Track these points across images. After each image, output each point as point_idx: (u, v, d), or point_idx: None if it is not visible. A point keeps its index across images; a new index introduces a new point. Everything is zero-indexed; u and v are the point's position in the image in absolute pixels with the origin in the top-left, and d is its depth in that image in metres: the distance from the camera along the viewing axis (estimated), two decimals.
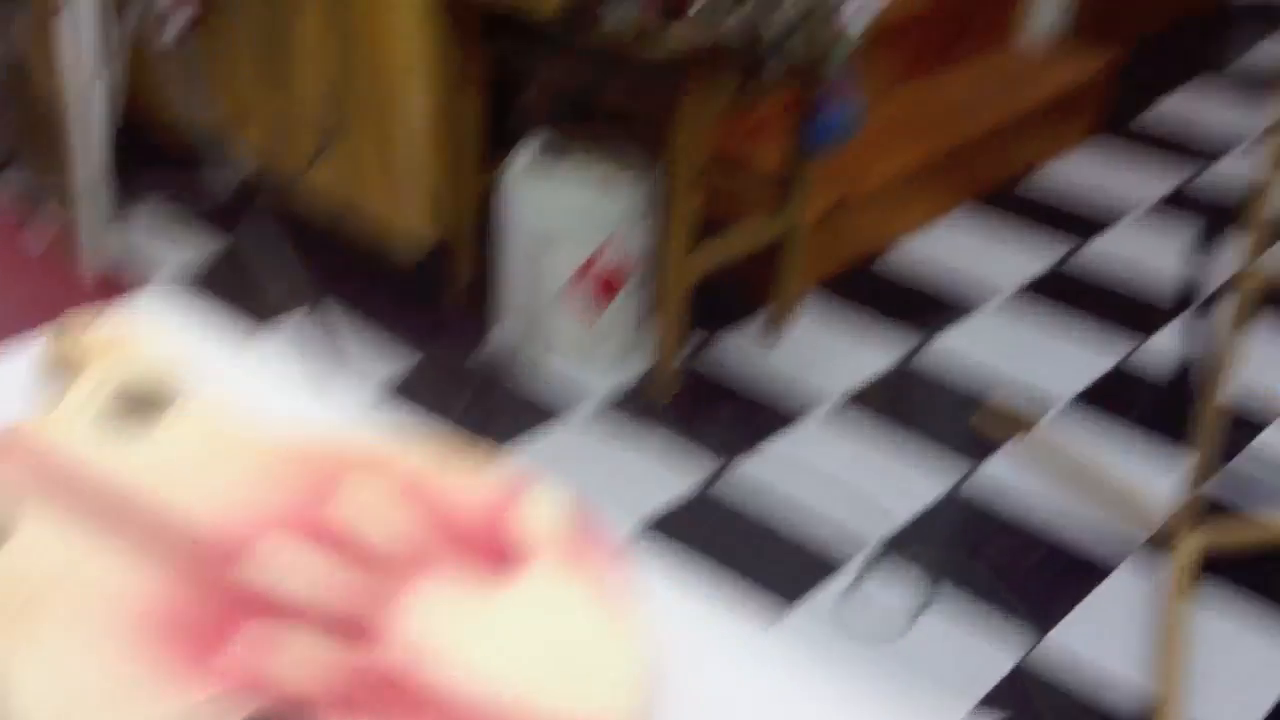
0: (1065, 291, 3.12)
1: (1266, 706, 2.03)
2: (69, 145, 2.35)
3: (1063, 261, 3.23)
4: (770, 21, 1.06)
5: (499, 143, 2.88)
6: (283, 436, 0.76)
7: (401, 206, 2.98)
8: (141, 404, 0.77)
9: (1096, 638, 2.13)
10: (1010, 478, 2.49)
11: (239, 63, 3.11)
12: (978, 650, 2.08)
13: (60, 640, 0.61)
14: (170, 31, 2.84)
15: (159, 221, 3.06)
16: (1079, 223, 3.40)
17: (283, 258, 2.52)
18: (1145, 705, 2.01)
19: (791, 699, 0.68)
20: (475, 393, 2.64)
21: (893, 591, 2.20)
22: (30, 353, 0.86)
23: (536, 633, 0.66)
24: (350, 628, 0.64)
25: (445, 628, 0.65)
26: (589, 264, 2.66)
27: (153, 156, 3.20)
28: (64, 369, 0.80)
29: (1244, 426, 2.65)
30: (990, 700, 1.97)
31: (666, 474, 2.46)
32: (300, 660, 0.62)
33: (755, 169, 2.96)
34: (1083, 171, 3.64)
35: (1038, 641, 2.11)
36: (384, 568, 0.68)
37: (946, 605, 2.18)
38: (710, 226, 2.68)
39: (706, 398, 2.70)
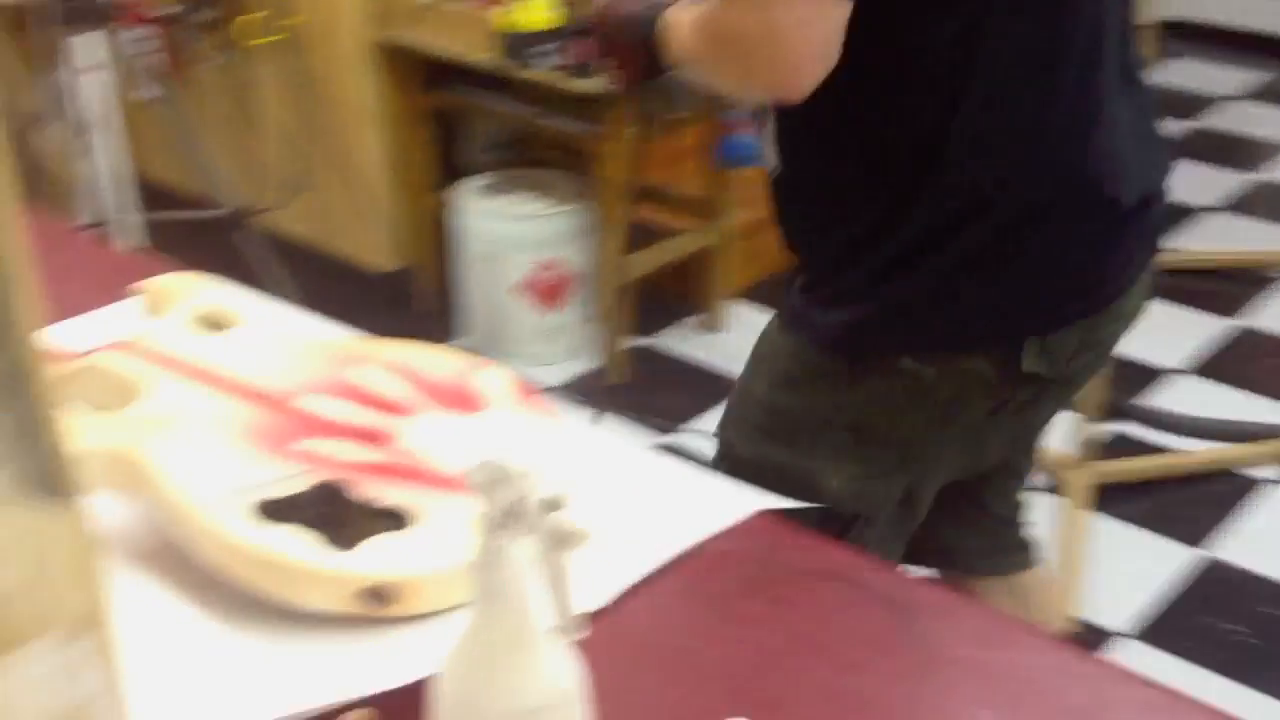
0: None
1: (1144, 604, 2.40)
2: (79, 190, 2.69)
3: None
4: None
5: (449, 173, 3.25)
6: (309, 337, 1.12)
7: (366, 235, 3.33)
8: (211, 321, 1.12)
9: None
10: None
11: (209, 115, 3.47)
12: None
13: (189, 441, 0.96)
14: (149, 86, 3.20)
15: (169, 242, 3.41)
16: None
17: (270, 271, 2.86)
18: None
19: (654, 477, 1.04)
20: None
21: None
22: (129, 303, 1.21)
23: (496, 439, 1.01)
24: (370, 436, 0.99)
25: (432, 438, 1.00)
26: (535, 276, 3.02)
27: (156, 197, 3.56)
28: (155, 305, 1.15)
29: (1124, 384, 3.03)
30: None
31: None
32: (341, 453, 0.97)
33: (679, 190, 3.34)
34: None
35: None
36: (386, 407, 1.03)
37: None
38: (648, 239, 3.07)
39: (647, 385, 3.06)
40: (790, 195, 1.37)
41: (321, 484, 0.94)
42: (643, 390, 3.05)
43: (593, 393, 3.02)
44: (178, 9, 3.28)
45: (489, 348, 3.13)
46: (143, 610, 0.91)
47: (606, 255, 2.96)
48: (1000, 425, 1.39)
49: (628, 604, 0.91)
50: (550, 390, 3.03)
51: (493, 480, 0.66)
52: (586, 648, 0.78)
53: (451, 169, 3.30)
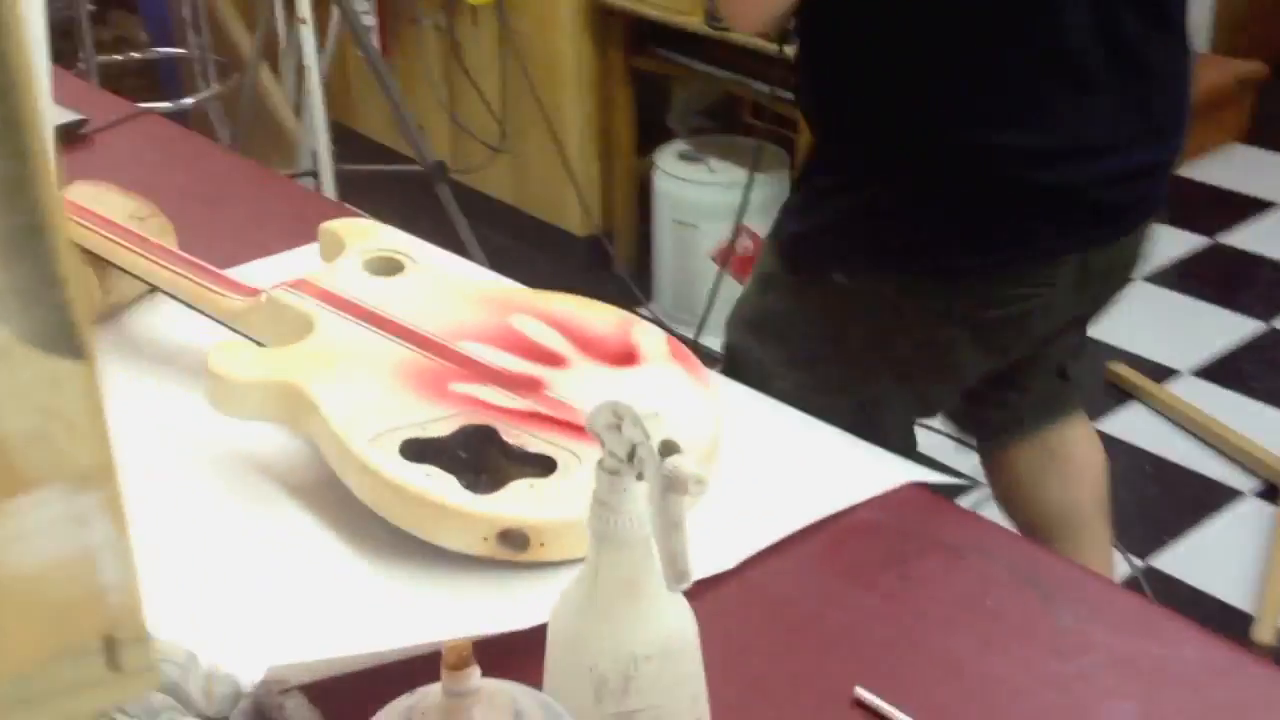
0: (1192, 277, 3.34)
1: None
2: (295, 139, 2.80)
3: (1196, 251, 3.44)
4: None
5: (651, 137, 3.27)
6: (475, 284, 1.14)
7: (566, 198, 3.38)
8: (382, 265, 1.15)
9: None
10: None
11: (422, 73, 3.55)
12: None
13: (351, 378, 0.99)
14: (367, 44, 3.30)
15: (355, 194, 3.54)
16: (1208, 220, 3.56)
17: (466, 227, 2.93)
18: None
19: (805, 443, 1.03)
20: None
21: None
22: (313, 247, 1.25)
23: (647, 395, 1.02)
24: (524, 384, 1.01)
25: (584, 390, 1.01)
26: (730, 244, 3.02)
27: (347, 148, 3.68)
28: (333, 248, 1.19)
29: None
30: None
31: None
32: (494, 398, 0.99)
33: None
34: (1215, 175, 3.78)
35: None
36: (542, 356, 1.05)
37: None
38: None
39: None
40: (801, 87, 1.50)
41: (471, 427, 0.96)
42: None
43: None
44: None
45: (679, 314, 3.14)
46: (292, 537, 0.95)
47: None
48: (961, 345, 1.44)
49: (760, 565, 0.90)
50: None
51: (611, 423, 0.66)
52: (713, 606, 0.78)
53: (653, 133, 3.31)
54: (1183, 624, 0.86)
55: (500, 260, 3.38)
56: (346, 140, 3.81)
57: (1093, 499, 1.73)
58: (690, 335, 3.09)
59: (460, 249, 2.96)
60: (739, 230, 3.02)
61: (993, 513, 1.76)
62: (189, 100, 3.63)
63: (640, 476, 0.66)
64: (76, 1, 3.30)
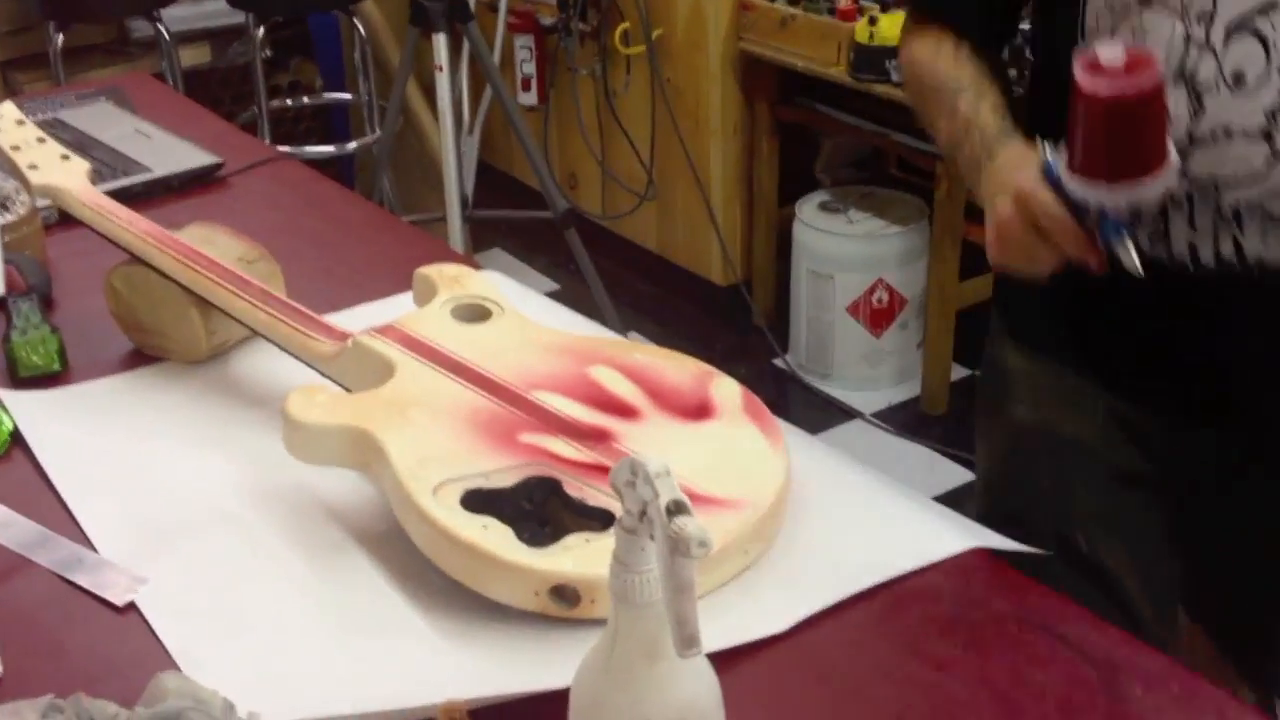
0: None
1: None
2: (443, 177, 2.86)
3: None
4: None
5: (793, 187, 3.26)
6: (558, 333, 1.15)
7: (709, 246, 3.38)
8: (469, 311, 1.17)
9: None
10: None
11: (575, 124, 3.60)
12: None
13: (422, 426, 1.00)
14: (524, 97, 3.37)
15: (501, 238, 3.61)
16: None
17: (595, 273, 2.96)
18: None
19: (875, 503, 1.01)
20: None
21: None
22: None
23: (716, 450, 1.01)
24: (595, 435, 1.01)
25: (654, 443, 1.01)
26: (866, 296, 2.99)
27: (502, 193, 3.76)
28: (426, 291, 1.21)
29: None
30: None
31: (931, 474, 2.76)
32: (561, 450, 0.99)
33: None
34: None
35: None
36: (616, 408, 1.05)
37: None
38: (985, 266, 2.97)
39: (968, 419, 2.97)
40: None
41: (535, 479, 0.97)
42: (961, 423, 2.95)
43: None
44: (558, 18, 3.43)
45: (814, 366, 3.11)
46: (350, 580, 0.96)
47: (939, 281, 2.89)
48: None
49: (814, 630, 0.88)
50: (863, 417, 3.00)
51: (629, 479, 0.66)
52: (759, 670, 0.77)
53: (795, 184, 3.30)
54: (1247, 708, 0.82)
55: (641, 308, 3.43)
56: (503, 185, 3.89)
57: None
58: (823, 388, 3.07)
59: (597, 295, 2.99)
60: (876, 283, 2.98)
61: None
62: (351, 145, 3.73)
63: (653, 536, 0.65)
64: (253, 48, 3.43)
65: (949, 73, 1.17)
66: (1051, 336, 1.23)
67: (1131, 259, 0.95)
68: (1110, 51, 0.91)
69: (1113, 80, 0.91)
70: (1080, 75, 0.92)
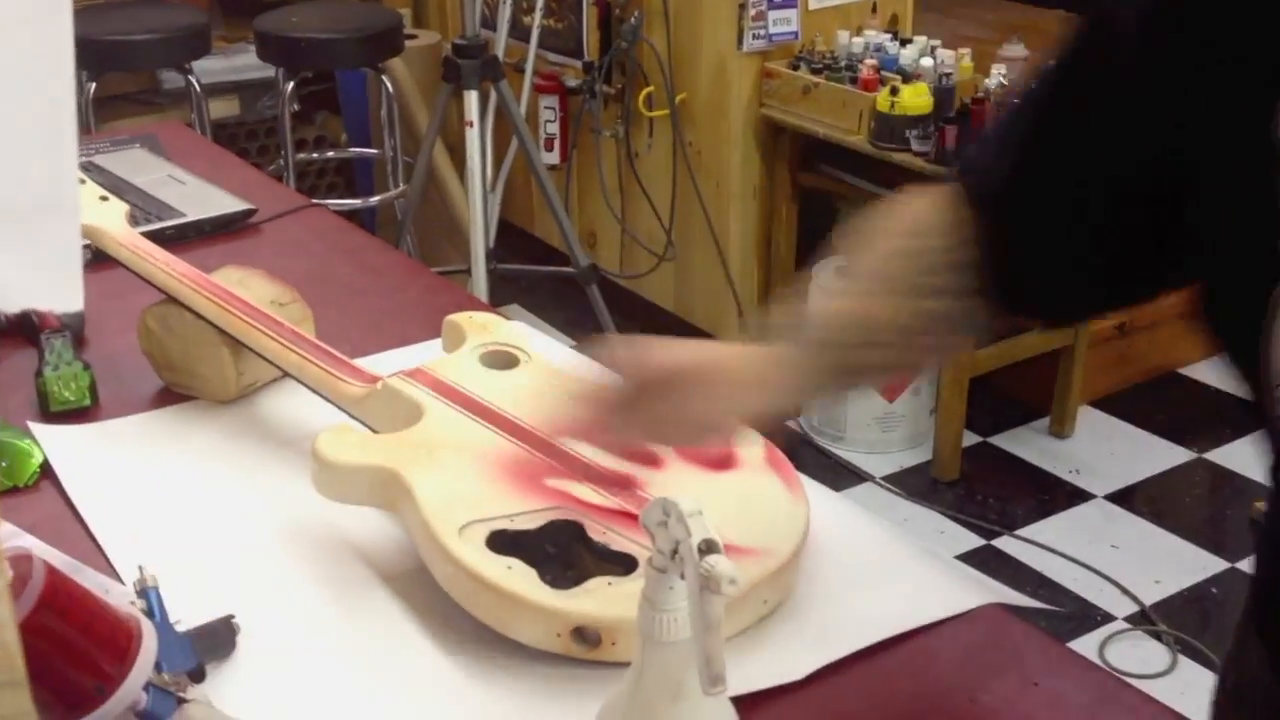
0: None
1: None
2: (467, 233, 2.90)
3: None
4: None
5: (811, 253, 3.29)
6: (583, 384, 1.17)
7: (725, 308, 3.41)
8: (497, 358, 1.19)
9: None
10: None
11: (597, 184, 3.64)
12: None
13: (449, 468, 1.02)
14: (547, 156, 3.42)
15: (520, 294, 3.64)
16: None
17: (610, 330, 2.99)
18: None
19: (893, 557, 1.02)
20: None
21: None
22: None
23: (738, 499, 1.03)
24: (619, 482, 1.03)
25: (677, 490, 1.02)
26: None
27: (523, 250, 3.79)
28: (455, 338, 1.23)
29: None
30: None
31: (940, 539, 2.76)
32: (586, 495, 1.01)
33: None
34: None
35: None
36: (640, 456, 1.06)
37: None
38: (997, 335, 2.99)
39: (977, 485, 2.98)
40: None
41: (560, 522, 0.98)
42: (972, 489, 2.97)
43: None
44: (583, 80, 3.48)
45: (826, 429, 3.12)
46: (375, 619, 0.98)
47: None
48: None
49: (827, 679, 0.89)
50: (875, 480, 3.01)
51: (660, 519, 0.67)
52: (777, 716, 0.77)
53: (814, 249, 3.33)
54: None
55: None
56: (523, 242, 3.93)
57: None
58: (835, 449, 3.08)
59: None
60: None
61: None
62: (375, 199, 3.77)
63: (683, 575, 0.67)
64: (282, 102, 3.48)
65: (882, 256, 0.98)
66: None
67: None
68: None
69: None
70: None
